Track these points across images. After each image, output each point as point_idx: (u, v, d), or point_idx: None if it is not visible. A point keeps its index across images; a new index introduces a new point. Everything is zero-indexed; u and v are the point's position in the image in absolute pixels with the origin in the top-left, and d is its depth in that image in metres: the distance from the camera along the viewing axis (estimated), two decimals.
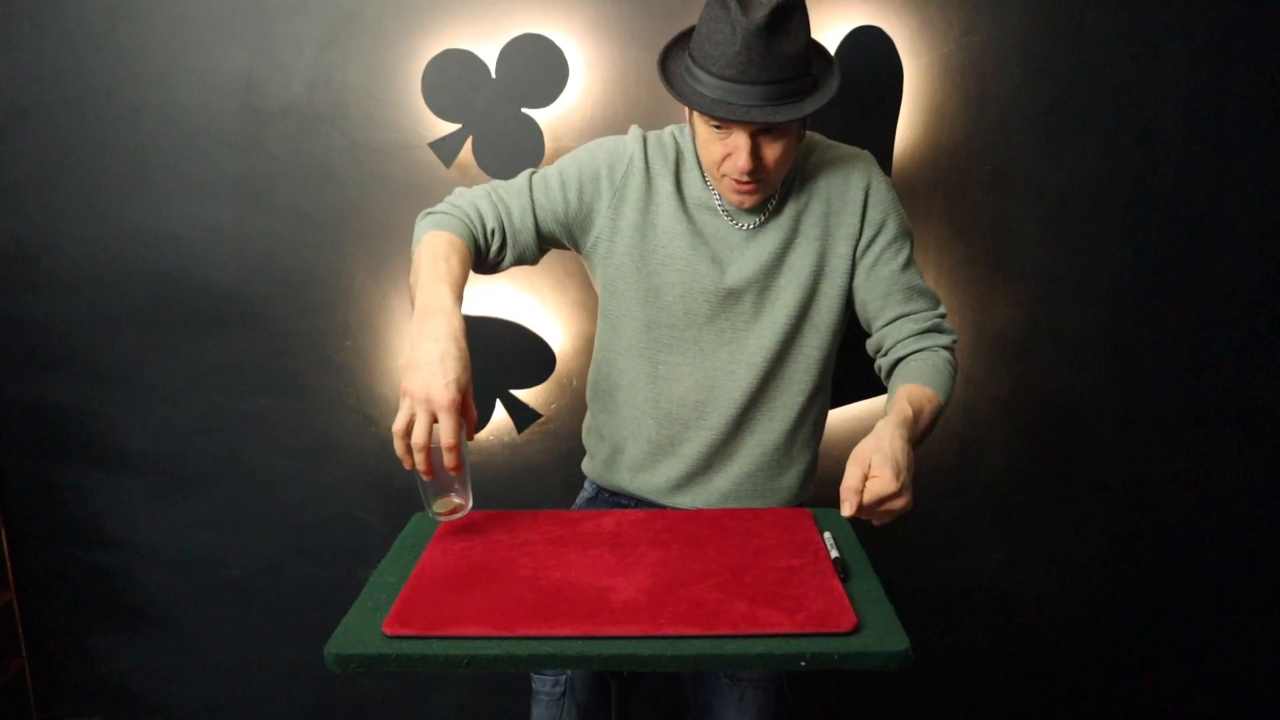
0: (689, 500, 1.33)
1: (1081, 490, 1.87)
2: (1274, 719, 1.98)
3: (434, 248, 1.14)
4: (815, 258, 1.26)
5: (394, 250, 1.73)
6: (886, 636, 0.87)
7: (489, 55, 1.61)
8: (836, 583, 0.96)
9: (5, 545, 1.88)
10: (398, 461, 1.02)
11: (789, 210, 1.25)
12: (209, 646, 1.95)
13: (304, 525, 1.87)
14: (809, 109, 1.12)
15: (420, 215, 1.24)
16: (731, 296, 1.25)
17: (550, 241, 1.28)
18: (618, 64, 1.64)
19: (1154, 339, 1.78)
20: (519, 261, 1.27)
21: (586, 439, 1.46)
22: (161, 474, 1.85)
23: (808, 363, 1.29)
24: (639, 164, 1.25)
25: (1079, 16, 1.64)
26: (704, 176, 1.26)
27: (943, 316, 1.29)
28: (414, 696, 1.98)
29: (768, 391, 1.29)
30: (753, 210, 1.24)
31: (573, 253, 1.33)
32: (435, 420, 1.00)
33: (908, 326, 1.26)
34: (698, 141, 1.22)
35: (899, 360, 1.27)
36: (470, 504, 1.10)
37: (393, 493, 1.84)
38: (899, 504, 1.00)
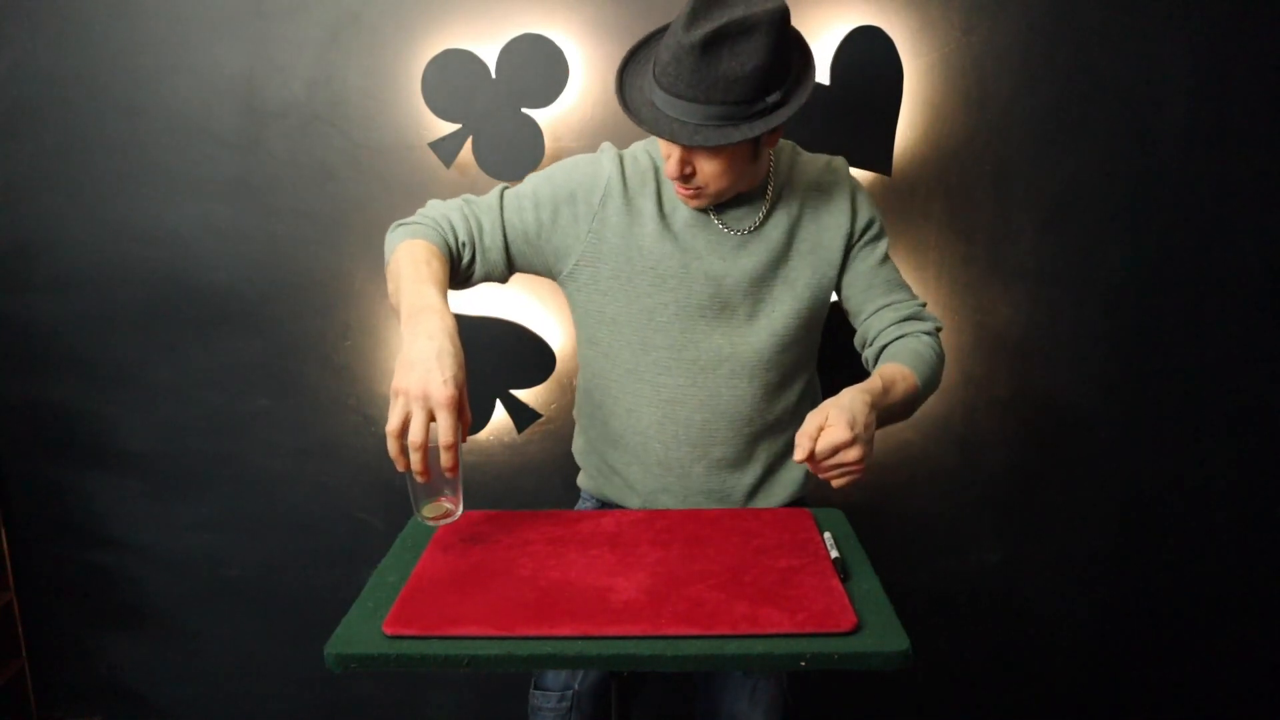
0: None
1: (1081, 490, 1.87)
2: (1274, 719, 1.98)
3: (412, 254, 1.12)
4: (808, 258, 1.26)
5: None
6: (886, 636, 0.88)
7: (489, 55, 1.61)
8: (836, 583, 0.96)
9: (5, 545, 1.88)
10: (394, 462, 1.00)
11: (780, 213, 1.25)
12: (209, 646, 1.95)
13: (304, 525, 1.87)
14: (735, 137, 1.06)
15: (392, 226, 1.22)
16: (727, 309, 1.24)
17: (521, 262, 1.24)
18: (618, 64, 1.64)
19: (1154, 339, 1.78)
20: (488, 278, 1.24)
21: (584, 459, 1.42)
22: (161, 474, 1.85)
23: (804, 359, 1.31)
24: (617, 187, 1.21)
25: (1079, 16, 1.64)
26: None
27: (922, 306, 1.31)
28: (414, 696, 1.98)
29: (771, 396, 1.28)
30: (743, 215, 1.23)
31: None
32: (431, 419, 0.97)
33: (888, 315, 1.28)
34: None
35: (883, 348, 1.28)
36: (461, 509, 1.07)
37: (393, 493, 1.84)
38: (852, 455, 1.01)
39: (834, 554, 1.03)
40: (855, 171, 1.46)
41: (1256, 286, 1.76)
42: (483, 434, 1.80)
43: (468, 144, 1.65)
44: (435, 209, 1.22)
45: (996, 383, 1.81)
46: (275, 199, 1.71)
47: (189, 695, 1.98)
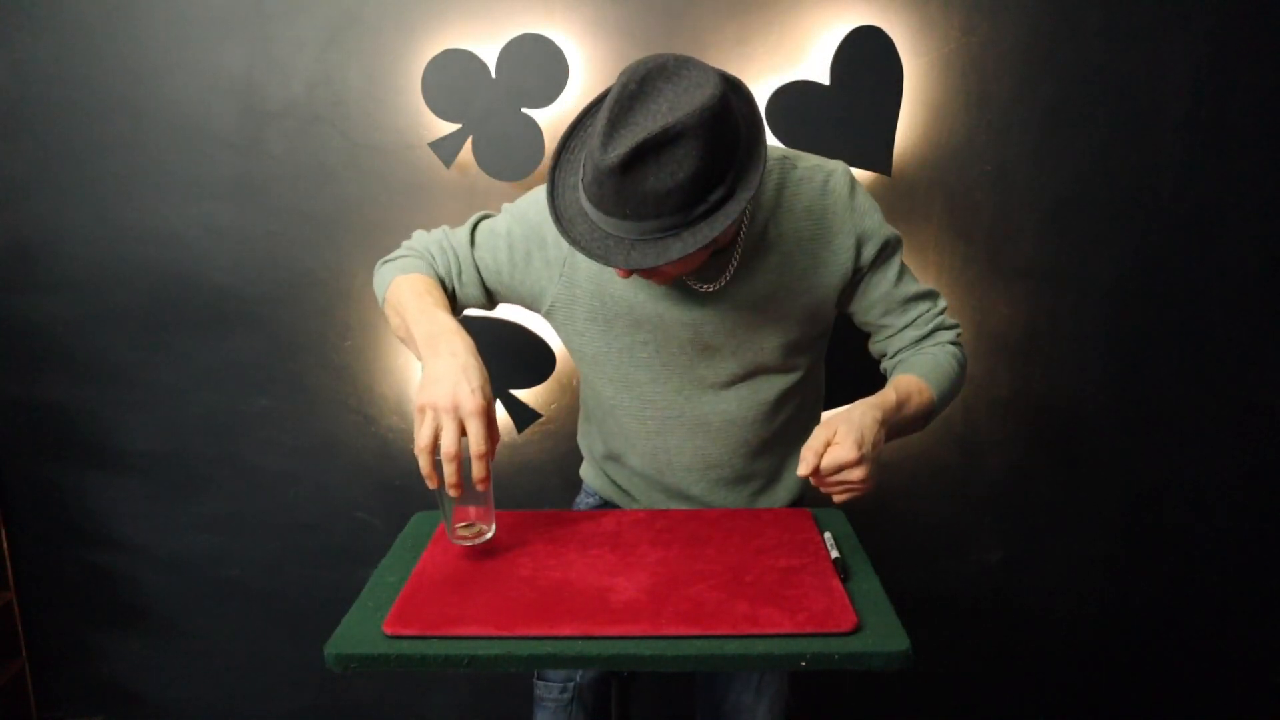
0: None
1: (1082, 490, 1.87)
2: (1274, 719, 1.98)
3: (411, 286, 1.11)
4: (801, 298, 1.15)
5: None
6: (886, 636, 0.87)
7: (489, 55, 1.61)
8: (837, 583, 0.96)
9: (5, 545, 1.88)
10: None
11: (766, 254, 1.13)
12: (209, 646, 1.95)
13: (304, 525, 1.87)
14: (675, 253, 0.92)
15: (378, 264, 1.21)
16: (709, 348, 1.16)
17: (500, 296, 1.21)
18: (618, 64, 1.64)
19: (1154, 339, 1.78)
20: (474, 308, 1.23)
21: (586, 456, 1.40)
22: (161, 474, 1.85)
23: (805, 370, 1.24)
24: None
25: (1079, 16, 1.64)
26: None
27: (943, 312, 1.23)
28: (414, 696, 1.98)
29: (768, 416, 1.23)
30: (715, 273, 1.11)
31: None
32: (462, 432, 0.94)
33: (910, 334, 1.21)
34: None
35: (902, 360, 1.23)
36: (494, 529, 1.04)
37: (393, 493, 1.84)
38: (856, 475, 0.98)
39: (834, 554, 1.03)
40: (855, 172, 1.37)
41: (1256, 286, 1.76)
42: None
43: (468, 144, 1.65)
44: (419, 241, 1.21)
45: (996, 383, 1.81)
46: (275, 199, 1.71)
47: (189, 695, 1.98)
